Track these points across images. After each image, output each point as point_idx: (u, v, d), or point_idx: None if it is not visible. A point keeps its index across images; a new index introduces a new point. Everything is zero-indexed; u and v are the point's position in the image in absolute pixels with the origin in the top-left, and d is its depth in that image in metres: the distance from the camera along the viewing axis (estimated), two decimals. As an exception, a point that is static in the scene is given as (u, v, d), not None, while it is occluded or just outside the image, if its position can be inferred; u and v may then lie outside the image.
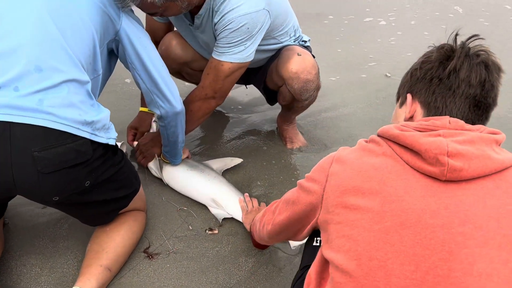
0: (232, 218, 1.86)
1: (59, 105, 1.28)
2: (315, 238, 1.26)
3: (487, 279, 0.85)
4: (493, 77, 1.01)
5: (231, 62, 1.79)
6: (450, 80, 1.00)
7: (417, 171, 0.92)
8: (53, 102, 1.27)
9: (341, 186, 0.97)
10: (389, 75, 3.24)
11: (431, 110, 1.03)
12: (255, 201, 1.86)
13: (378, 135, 1.01)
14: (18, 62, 1.25)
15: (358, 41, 3.83)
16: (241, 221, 1.82)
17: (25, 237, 1.70)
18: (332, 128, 2.58)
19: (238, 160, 2.16)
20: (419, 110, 1.05)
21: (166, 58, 1.81)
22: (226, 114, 2.64)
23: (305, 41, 2.18)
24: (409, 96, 1.08)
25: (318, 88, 2.09)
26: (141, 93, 2.20)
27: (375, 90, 3.04)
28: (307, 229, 1.13)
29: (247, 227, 1.72)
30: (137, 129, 2.19)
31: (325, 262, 1.03)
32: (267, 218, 1.29)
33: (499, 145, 0.96)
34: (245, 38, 1.75)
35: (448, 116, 0.98)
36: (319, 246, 1.18)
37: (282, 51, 2.05)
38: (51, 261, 1.62)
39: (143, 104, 2.21)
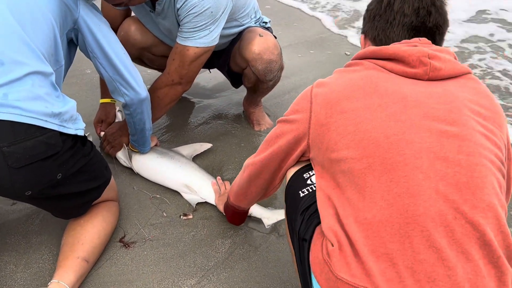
0: (206, 203, 1.88)
1: (24, 98, 1.26)
2: (299, 191, 1.27)
3: (487, 139, 1.01)
4: (425, 3, 1.14)
5: (196, 47, 1.79)
6: (386, 14, 1.16)
7: (402, 76, 1.06)
8: (18, 95, 1.25)
9: (332, 99, 1.07)
10: (348, 53, 3.30)
11: (377, 43, 1.19)
12: (228, 184, 1.89)
13: (355, 59, 1.14)
14: None
15: (316, 21, 3.88)
16: (214, 204, 1.84)
17: (-4, 235, 1.67)
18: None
19: (207, 145, 2.18)
20: (370, 47, 1.17)
21: (125, 43, 1.78)
22: (192, 100, 2.64)
23: (266, 22, 2.20)
24: (362, 37, 1.26)
25: (281, 68, 2.12)
26: (101, 84, 2.18)
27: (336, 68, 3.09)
28: (287, 165, 1.24)
29: (221, 208, 1.74)
30: (103, 122, 2.16)
31: (329, 178, 1.08)
32: (248, 162, 1.33)
33: None
34: (210, 22, 1.75)
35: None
36: (307, 193, 1.22)
37: (244, 33, 2.06)
38: (25, 257, 1.60)
39: (104, 95, 2.18)
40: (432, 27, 1.14)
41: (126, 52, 1.65)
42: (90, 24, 1.53)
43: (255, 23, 2.12)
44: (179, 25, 1.80)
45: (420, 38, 1.11)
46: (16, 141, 1.24)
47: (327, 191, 1.08)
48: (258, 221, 1.80)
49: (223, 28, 1.85)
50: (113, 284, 1.53)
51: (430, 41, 1.11)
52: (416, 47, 1.07)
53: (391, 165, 0.96)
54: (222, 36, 1.90)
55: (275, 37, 2.09)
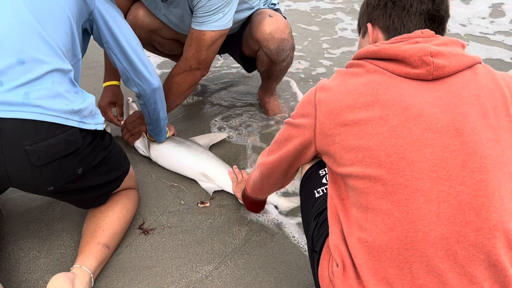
0: (222, 191, 1.91)
1: (45, 96, 1.28)
2: (315, 191, 1.30)
3: (496, 143, 0.96)
4: None
5: (212, 31, 1.81)
6: (403, 1, 1.09)
7: (405, 77, 1.00)
8: (39, 94, 1.27)
9: (334, 108, 1.03)
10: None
11: (390, 32, 1.11)
12: (244, 172, 1.90)
13: (356, 58, 1.08)
14: (0, 56, 1.24)
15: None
16: (231, 192, 1.87)
17: (20, 222, 1.71)
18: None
19: (223, 135, 2.20)
20: (380, 35, 1.13)
21: (134, 27, 1.81)
22: (208, 91, 2.65)
23: (274, 4, 2.21)
24: (369, 25, 1.16)
25: (293, 48, 2.13)
26: (105, 67, 2.18)
27: (348, 50, 3.09)
28: (299, 164, 1.23)
29: (239, 196, 1.76)
30: (115, 104, 2.17)
31: (339, 185, 1.08)
32: (260, 160, 1.34)
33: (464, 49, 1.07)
34: (223, 5, 1.76)
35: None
36: (322, 195, 1.24)
37: (253, 16, 2.08)
38: (48, 243, 1.64)
39: (107, 77, 2.17)
40: (444, 15, 1.11)
41: (140, 43, 1.68)
42: (105, 15, 1.55)
43: (263, 5, 2.14)
44: (191, 11, 1.82)
45: (423, 30, 1.06)
46: (38, 140, 1.27)
47: (336, 202, 1.09)
48: (275, 208, 1.82)
49: (235, 12, 1.87)
50: (133, 269, 1.56)
51: (433, 32, 1.06)
52: (418, 44, 1.01)
53: (392, 187, 0.95)
54: (233, 21, 1.91)
55: (285, 18, 2.11)
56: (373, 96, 0.99)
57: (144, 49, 1.74)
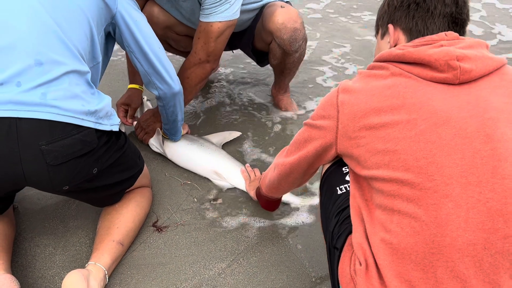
0: (235, 189, 1.92)
1: (62, 97, 1.30)
2: (337, 188, 1.29)
3: None
4: None
5: (219, 22, 1.82)
6: (427, 3, 1.07)
7: (431, 81, 0.98)
8: (56, 95, 1.29)
9: (359, 111, 1.01)
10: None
11: (413, 34, 1.09)
12: (257, 171, 1.91)
13: (379, 61, 1.05)
14: (18, 57, 1.26)
15: None
16: (244, 190, 1.87)
17: (36, 219, 1.74)
18: (326, 93, 2.62)
19: (236, 134, 2.21)
20: (402, 37, 1.11)
21: (149, 23, 1.83)
22: (221, 90, 2.66)
23: None
24: (390, 26, 1.13)
25: (305, 39, 2.13)
26: (128, 69, 2.23)
27: (361, 46, 3.07)
28: (318, 165, 1.21)
29: (252, 194, 1.77)
30: (128, 106, 2.20)
31: (361, 185, 1.07)
32: (278, 161, 1.33)
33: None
34: None
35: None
36: (344, 192, 1.23)
37: (264, 9, 2.10)
38: (64, 240, 1.67)
39: (132, 81, 2.22)
40: (466, 18, 1.09)
41: (162, 47, 1.69)
42: (127, 19, 1.56)
43: None
44: (200, 5, 1.83)
45: (447, 33, 1.04)
46: (54, 140, 1.28)
47: (359, 201, 1.08)
48: (289, 207, 1.83)
49: (243, 4, 1.88)
50: (147, 266, 1.57)
51: (457, 34, 1.04)
52: (443, 47, 0.98)
53: (420, 191, 0.93)
54: (242, 12, 1.92)
55: None
56: (399, 99, 0.97)
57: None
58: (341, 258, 1.15)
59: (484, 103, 0.96)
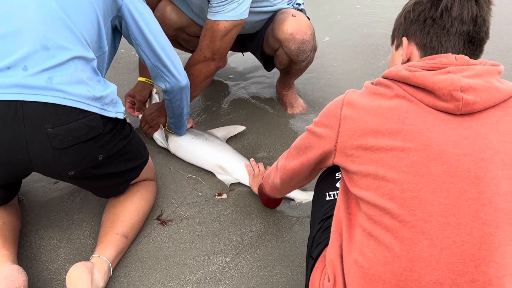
0: (239, 183, 1.92)
1: (68, 82, 1.31)
2: (327, 193, 1.30)
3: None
4: (484, 12, 1.03)
5: (226, 21, 1.81)
6: (443, 20, 1.02)
7: (432, 108, 0.96)
8: (62, 79, 1.30)
9: (358, 129, 1.00)
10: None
11: (427, 51, 1.06)
12: (261, 165, 1.91)
13: (386, 78, 1.03)
14: (25, 42, 1.27)
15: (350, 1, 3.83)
16: (248, 185, 1.87)
17: (41, 212, 1.75)
18: (331, 89, 2.62)
19: (241, 128, 2.20)
20: (415, 52, 1.08)
21: (162, 24, 1.83)
22: (226, 84, 2.66)
23: (299, 4, 2.19)
24: (404, 40, 1.10)
25: (314, 49, 2.11)
26: (139, 62, 2.24)
27: (370, 48, 3.06)
28: (320, 168, 1.21)
29: (255, 189, 1.77)
30: (134, 97, 2.21)
31: (349, 198, 1.07)
32: (280, 164, 1.32)
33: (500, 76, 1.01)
34: None
35: (450, 54, 1.01)
36: (332, 199, 1.24)
37: (276, 15, 2.07)
38: (68, 233, 1.67)
39: (142, 74, 2.23)
40: (484, 37, 1.04)
41: (168, 40, 1.68)
42: (133, 11, 1.56)
43: (288, 4, 2.12)
44: (208, 1, 1.83)
45: (457, 56, 1.00)
46: (60, 123, 1.29)
47: (342, 215, 1.08)
48: (292, 201, 1.83)
49: (254, 7, 1.86)
50: (151, 259, 1.58)
51: (468, 59, 1.00)
52: (449, 74, 0.95)
53: (399, 223, 0.93)
54: (253, 14, 1.90)
55: (308, 18, 2.09)
56: (398, 124, 0.96)
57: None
58: (314, 269, 1.16)
59: (481, 141, 0.93)
